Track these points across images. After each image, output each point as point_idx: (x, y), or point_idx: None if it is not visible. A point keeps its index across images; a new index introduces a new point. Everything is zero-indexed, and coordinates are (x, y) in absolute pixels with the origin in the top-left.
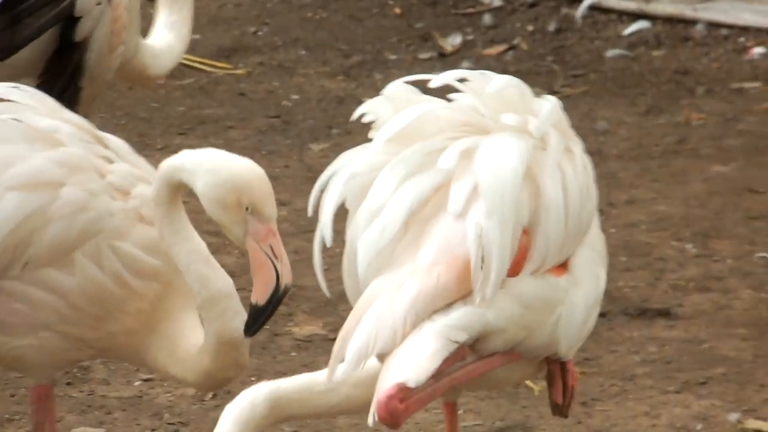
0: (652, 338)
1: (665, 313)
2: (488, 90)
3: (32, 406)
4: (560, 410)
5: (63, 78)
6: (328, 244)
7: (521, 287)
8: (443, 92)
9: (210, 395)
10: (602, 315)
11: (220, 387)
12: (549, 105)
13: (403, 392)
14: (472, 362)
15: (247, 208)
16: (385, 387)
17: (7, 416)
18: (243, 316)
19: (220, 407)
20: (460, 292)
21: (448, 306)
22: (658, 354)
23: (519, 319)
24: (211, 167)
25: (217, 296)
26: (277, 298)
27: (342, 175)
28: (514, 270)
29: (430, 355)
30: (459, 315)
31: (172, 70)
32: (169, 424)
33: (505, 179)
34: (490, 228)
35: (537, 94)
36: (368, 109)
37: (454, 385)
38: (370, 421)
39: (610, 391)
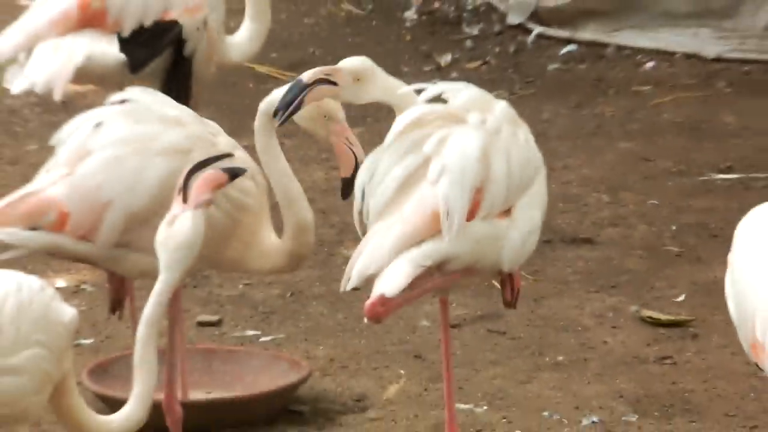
0: (580, 257)
1: (588, 241)
2: (460, 98)
3: (169, 302)
4: (509, 304)
5: (178, 82)
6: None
7: (473, 228)
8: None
9: (289, 293)
10: (547, 242)
11: (299, 265)
12: (501, 105)
13: (382, 300)
14: (438, 277)
15: (325, 116)
16: (371, 296)
17: None
18: (311, 210)
19: (296, 302)
20: (429, 233)
21: (420, 242)
22: (584, 267)
23: (470, 250)
24: None
25: (297, 197)
26: (356, 169)
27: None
28: (470, 216)
29: (403, 275)
30: (426, 248)
31: (258, 76)
32: (263, 312)
33: (465, 161)
34: (454, 193)
35: (497, 96)
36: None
37: (425, 293)
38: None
39: (552, 291)
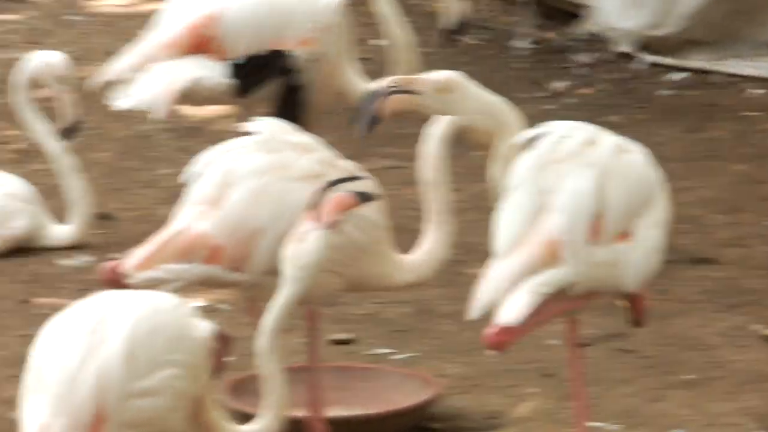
0: (705, 276)
1: (711, 261)
2: (574, 136)
3: (308, 322)
4: (638, 323)
5: (288, 109)
6: None
7: (593, 253)
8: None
9: (419, 312)
10: (670, 262)
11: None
12: (610, 138)
13: (505, 330)
14: (561, 303)
15: None
16: (493, 326)
17: (289, 327)
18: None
19: (426, 320)
20: (549, 261)
21: (540, 270)
22: (708, 287)
23: (591, 275)
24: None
25: (449, 212)
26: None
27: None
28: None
29: (524, 304)
30: (547, 276)
31: None
32: (395, 331)
33: (582, 192)
34: (572, 221)
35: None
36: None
37: (549, 319)
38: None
39: (678, 311)
